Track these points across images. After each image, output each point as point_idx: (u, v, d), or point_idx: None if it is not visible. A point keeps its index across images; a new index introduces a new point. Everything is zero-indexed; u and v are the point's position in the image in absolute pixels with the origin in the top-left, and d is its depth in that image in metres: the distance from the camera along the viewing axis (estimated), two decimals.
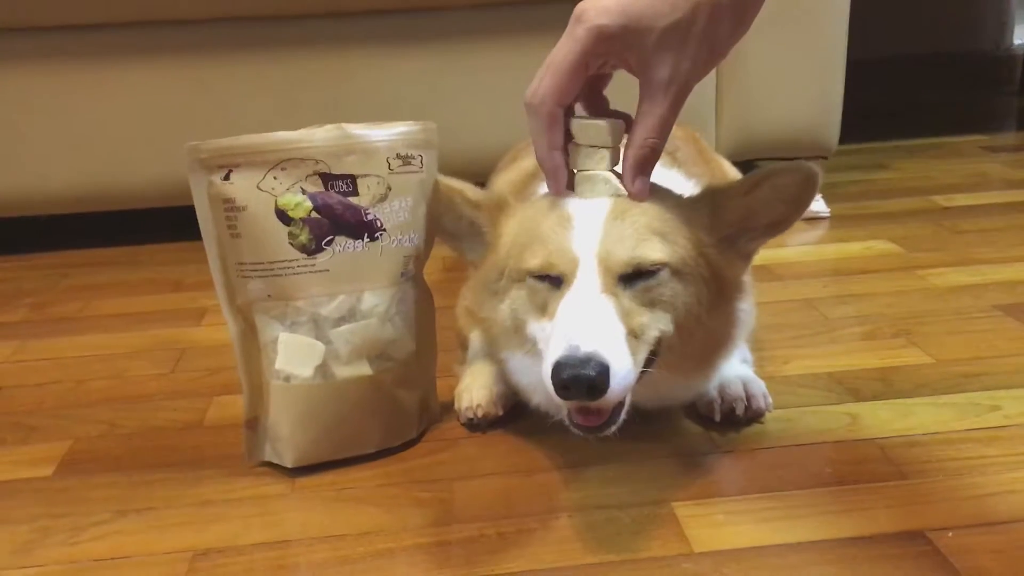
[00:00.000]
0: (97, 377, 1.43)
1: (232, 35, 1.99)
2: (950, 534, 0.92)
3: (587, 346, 0.90)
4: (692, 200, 1.08)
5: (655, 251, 0.99)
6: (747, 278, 1.15)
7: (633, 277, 0.99)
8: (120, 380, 1.42)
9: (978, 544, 0.90)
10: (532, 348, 1.05)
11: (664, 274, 1.00)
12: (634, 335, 0.96)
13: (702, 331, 1.05)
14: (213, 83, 2.01)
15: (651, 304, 1.00)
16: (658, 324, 1.00)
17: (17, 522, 1.04)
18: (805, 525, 0.95)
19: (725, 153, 2.04)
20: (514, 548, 0.95)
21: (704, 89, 2.10)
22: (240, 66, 2.01)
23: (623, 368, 0.92)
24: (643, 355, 0.98)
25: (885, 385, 1.25)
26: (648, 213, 1.02)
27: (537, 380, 1.04)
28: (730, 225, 1.06)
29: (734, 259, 1.08)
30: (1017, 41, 3.81)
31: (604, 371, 0.90)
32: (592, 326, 0.94)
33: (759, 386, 1.17)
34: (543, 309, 1.01)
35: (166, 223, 2.15)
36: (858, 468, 1.05)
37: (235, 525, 1.02)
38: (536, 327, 1.03)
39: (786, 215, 1.06)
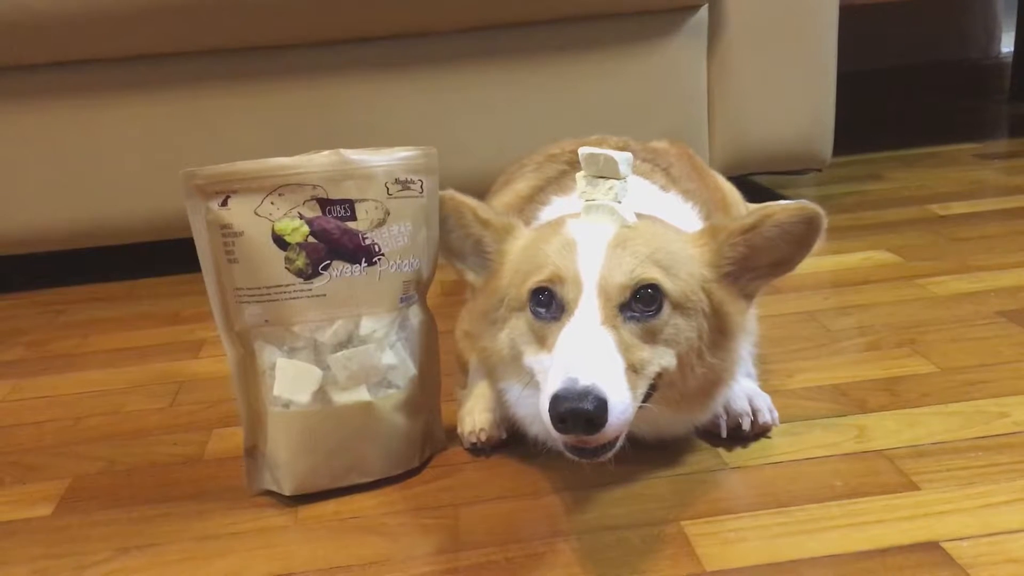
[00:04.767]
0: (95, 413, 1.42)
1: (225, 66, 1.99)
2: (965, 544, 0.91)
3: (586, 379, 0.89)
4: (694, 236, 1.07)
5: (653, 274, 0.99)
6: (752, 315, 1.14)
7: (634, 309, 0.98)
8: (119, 415, 1.41)
9: (995, 553, 0.89)
10: (530, 380, 1.04)
11: (665, 309, 0.99)
12: (633, 369, 0.95)
13: (703, 367, 1.04)
14: (207, 115, 2.01)
15: (652, 339, 0.99)
16: (660, 359, 0.99)
17: (16, 563, 1.02)
18: (817, 540, 0.94)
19: (719, 168, 2.04)
20: (522, 573, 0.93)
21: (696, 105, 2.10)
22: (234, 97, 2.01)
23: (621, 402, 0.91)
24: (642, 390, 0.97)
25: (891, 395, 1.24)
26: (650, 244, 1.01)
27: (534, 411, 1.03)
28: (732, 262, 1.06)
29: (736, 297, 1.07)
30: (1005, 49, 3.83)
31: (602, 405, 0.88)
32: (591, 359, 0.92)
33: (765, 400, 1.16)
34: (542, 340, 1.00)
35: (163, 256, 2.14)
36: (868, 480, 1.04)
37: (239, 559, 1.00)
38: (534, 359, 1.02)
39: (789, 255, 1.06)
